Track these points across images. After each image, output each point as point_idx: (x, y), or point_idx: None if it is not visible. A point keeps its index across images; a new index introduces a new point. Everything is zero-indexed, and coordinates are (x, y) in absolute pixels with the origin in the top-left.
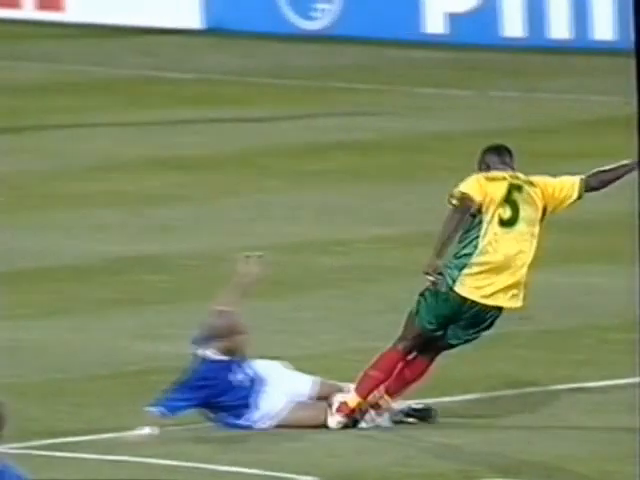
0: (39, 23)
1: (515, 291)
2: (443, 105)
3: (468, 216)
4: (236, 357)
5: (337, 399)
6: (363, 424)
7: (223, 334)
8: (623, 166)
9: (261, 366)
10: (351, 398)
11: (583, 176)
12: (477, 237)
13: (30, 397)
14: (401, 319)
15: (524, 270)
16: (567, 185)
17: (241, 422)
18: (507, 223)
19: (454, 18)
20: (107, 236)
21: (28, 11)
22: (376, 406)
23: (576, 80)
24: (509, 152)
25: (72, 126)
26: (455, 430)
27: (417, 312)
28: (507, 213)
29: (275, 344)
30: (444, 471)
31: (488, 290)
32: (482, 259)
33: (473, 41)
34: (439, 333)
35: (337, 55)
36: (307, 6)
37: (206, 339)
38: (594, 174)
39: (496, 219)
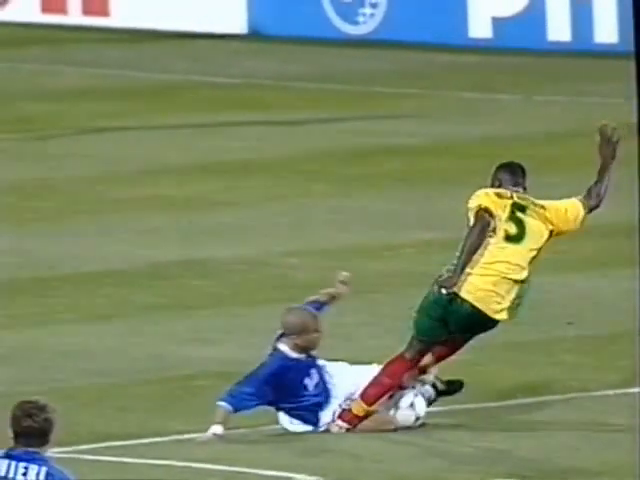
0: (84, 28)
1: (508, 305)
2: (489, 109)
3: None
4: (308, 355)
5: (342, 405)
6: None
7: (295, 331)
8: (600, 170)
9: (332, 369)
10: (356, 406)
11: (580, 197)
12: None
13: (76, 401)
14: None
15: (522, 287)
16: (574, 205)
17: (306, 425)
18: (514, 239)
19: (500, 22)
20: (154, 241)
21: (74, 16)
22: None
23: (622, 84)
24: (523, 171)
25: (118, 131)
26: (501, 435)
27: (415, 319)
28: (513, 229)
29: (321, 349)
30: (490, 477)
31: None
32: (485, 266)
33: (519, 45)
34: (439, 337)
35: (382, 60)
36: (352, 11)
37: (280, 335)
38: (588, 194)
39: (502, 234)
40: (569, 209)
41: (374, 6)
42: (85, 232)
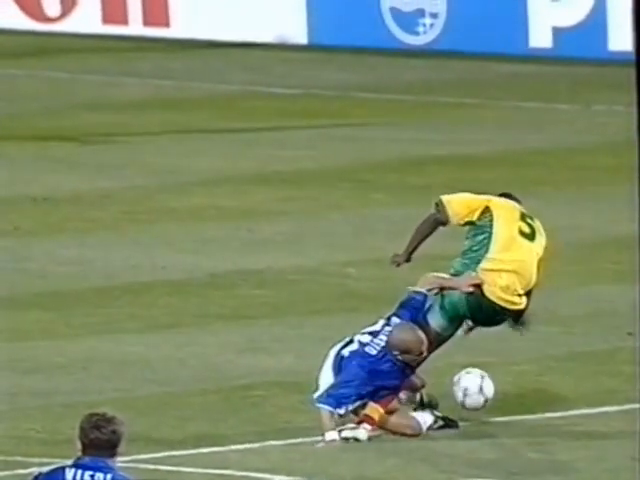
0: (145, 39)
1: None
2: (548, 119)
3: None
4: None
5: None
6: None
7: (411, 349)
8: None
9: None
10: (371, 410)
11: None
12: (487, 243)
13: (135, 411)
14: (507, 334)
15: (522, 284)
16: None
17: None
18: (527, 236)
19: (560, 32)
20: (212, 251)
21: (135, 27)
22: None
23: None
24: (517, 202)
25: (178, 141)
26: (559, 446)
27: (443, 326)
28: (526, 228)
29: None
30: None
31: (499, 290)
32: (498, 257)
33: (579, 55)
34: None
35: (441, 70)
36: (412, 21)
37: (391, 348)
38: None
39: (517, 229)
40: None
41: (434, 16)
42: (144, 242)
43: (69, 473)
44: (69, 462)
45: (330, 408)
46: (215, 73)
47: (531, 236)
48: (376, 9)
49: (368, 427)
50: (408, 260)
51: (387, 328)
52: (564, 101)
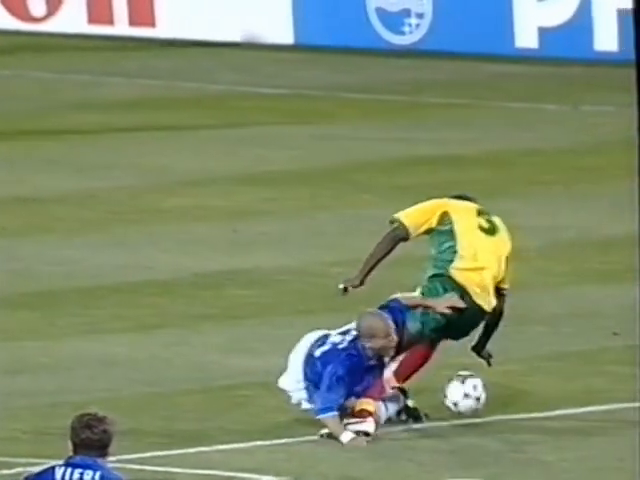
0: (131, 39)
1: (487, 295)
2: (535, 120)
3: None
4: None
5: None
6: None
7: (377, 333)
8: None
9: None
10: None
11: None
12: (453, 244)
13: (121, 411)
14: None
15: (492, 281)
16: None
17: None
18: (488, 231)
19: (546, 32)
20: (198, 251)
21: (121, 27)
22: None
23: None
24: (472, 201)
25: (164, 141)
26: (546, 446)
27: (420, 331)
28: (485, 224)
29: None
30: None
31: (477, 289)
32: (467, 255)
33: (565, 55)
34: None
35: (428, 70)
36: (398, 21)
37: (360, 337)
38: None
39: (476, 225)
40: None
41: (420, 16)
42: (130, 242)
43: (59, 472)
44: (60, 462)
45: (332, 413)
46: (202, 73)
47: (492, 231)
48: (362, 9)
49: (371, 420)
50: (362, 284)
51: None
52: (551, 101)
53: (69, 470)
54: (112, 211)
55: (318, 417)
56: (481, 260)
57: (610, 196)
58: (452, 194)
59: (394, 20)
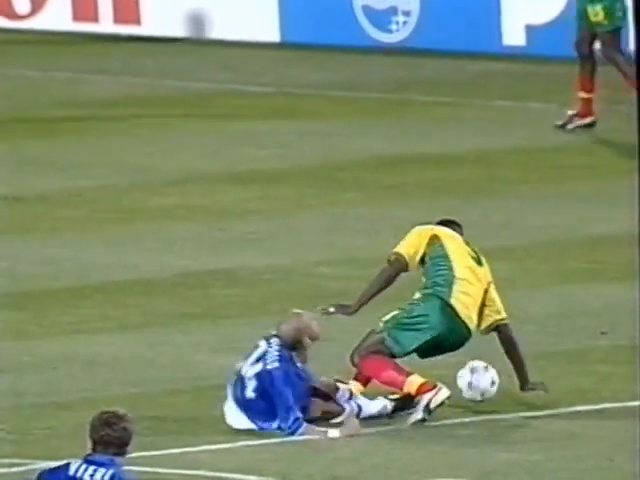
0: (116, 37)
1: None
2: (522, 118)
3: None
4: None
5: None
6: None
7: (302, 333)
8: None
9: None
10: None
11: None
12: (448, 269)
13: None
14: (479, 334)
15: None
16: (494, 299)
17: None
18: (475, 260)
19: (533, 30)
20: (184, 250)
21: (106, 25)
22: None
23: None
24: (459, 227)
25: (149, 140)
26: (533, 446)
27: (396, 341)
28: (472, 253)
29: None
30: None
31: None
32: (464, 277)
33: (552, 53)
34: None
35: (415, 68)
36: (384, 19)
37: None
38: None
39: (466, 252)
40: (492, 295)
41: (407, 14)
42: (115, 241)
43: (73, 467)
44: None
45: (303, 426)
46: (187, 71)
47: (478, 261)
48: (348, 7)
49: (440, 385)
50: (354, 313)
51: (274, 344)
52: (538, 100)
53: (83, 467)
54: (96, 210)
55: (294, 436)
56: (474, 283)
57: (597, 195)
58: (437, 220)
59: (381, 18)
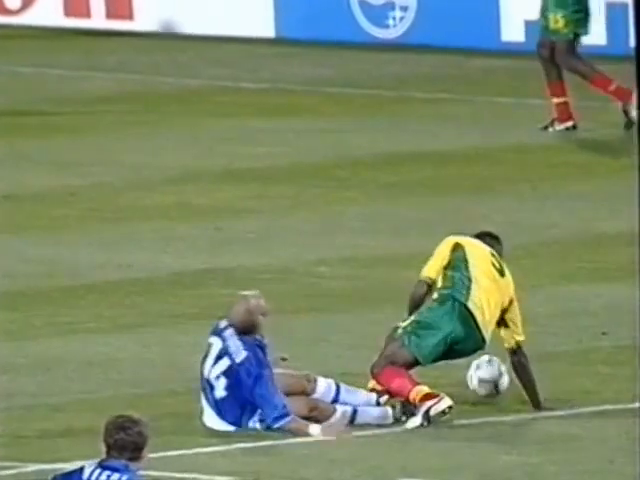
0: (109, 33)
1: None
2: (522, 114)
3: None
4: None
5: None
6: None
7: (253, 314)
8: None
9: None
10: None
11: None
12: (467, 272)
13: (100, 412)
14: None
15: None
16: (515, 320)
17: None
18: (499, 271)
19: (533, 26)
20: (180, 249)
21: (98, 20)
22: None
23: None
24: (497, 240)
25: (145, 137)
26: (533, 448)
27: (418, 347)
28: (497, 264)
29: (348, 359)
30: None
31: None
32: (481, 287)
33: None
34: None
35: (412, 64)
36: (381, 14)
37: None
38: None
39: (489, 262)
40: (514, 311)
41: (404, 9)
42: (110, 240)
43: (87, 471)
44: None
45: (288, 418)
46: (182, 68)
47: (501, 271)
48: (345, 2)
49: (442, 395)
50: None
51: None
52: (538, 96)
53: (97, 471)
54: (92, 209)
55: (276, 426)
56: (493, 292)
57: (599, 193)
58: (474, 233)
59: (378, 13)
